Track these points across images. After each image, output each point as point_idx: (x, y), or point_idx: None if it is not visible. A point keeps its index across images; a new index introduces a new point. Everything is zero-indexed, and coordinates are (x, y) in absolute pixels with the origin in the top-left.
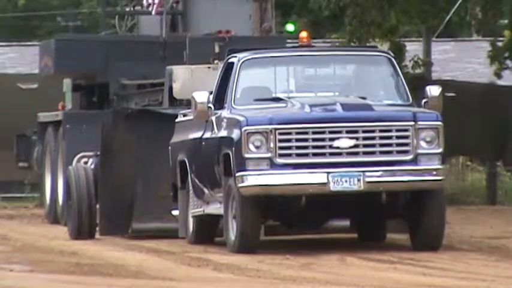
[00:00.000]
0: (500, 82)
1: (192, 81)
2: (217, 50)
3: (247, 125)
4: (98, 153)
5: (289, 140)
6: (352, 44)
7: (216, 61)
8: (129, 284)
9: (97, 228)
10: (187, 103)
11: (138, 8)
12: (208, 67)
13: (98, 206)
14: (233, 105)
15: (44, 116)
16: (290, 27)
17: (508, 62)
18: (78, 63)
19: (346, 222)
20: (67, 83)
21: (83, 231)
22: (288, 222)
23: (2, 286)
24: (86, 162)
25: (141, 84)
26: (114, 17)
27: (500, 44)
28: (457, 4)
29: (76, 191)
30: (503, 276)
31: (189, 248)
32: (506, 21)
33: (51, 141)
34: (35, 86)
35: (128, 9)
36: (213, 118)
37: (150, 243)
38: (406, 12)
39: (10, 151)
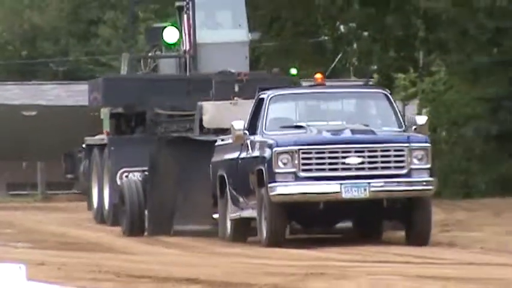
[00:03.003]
0: None
1: (218, 114)
2: (236, 89)
3: (277, 146)
4: (144, 169)
5: (310, 158)
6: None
7: (235, 98)
8: (101, 256)
9: (145, 230)
10: (214, 131)
11: (158, 52)
12: (230, 103)
13: (146, 212)
14: (264, 131)
15: (90, 140)
16: (293, 70)
17: None
18: (122, 97)
19: (349, 224)
20: (105, 112)
21: (134, 231)
22: (307, 224)
23: (10, 258)
24: (127, 176)
25: (171, 114)
26: (139, 61)
27: (371, 83)
28: (339, 56)
29: (129, 199)
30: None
31: (148, 234)
32: (375, 67)
33: (96, 159)
34: (34, 113)
35: (150, 53)
36: (248, 141)
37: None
38: (304, 60)
39: (16, 161)
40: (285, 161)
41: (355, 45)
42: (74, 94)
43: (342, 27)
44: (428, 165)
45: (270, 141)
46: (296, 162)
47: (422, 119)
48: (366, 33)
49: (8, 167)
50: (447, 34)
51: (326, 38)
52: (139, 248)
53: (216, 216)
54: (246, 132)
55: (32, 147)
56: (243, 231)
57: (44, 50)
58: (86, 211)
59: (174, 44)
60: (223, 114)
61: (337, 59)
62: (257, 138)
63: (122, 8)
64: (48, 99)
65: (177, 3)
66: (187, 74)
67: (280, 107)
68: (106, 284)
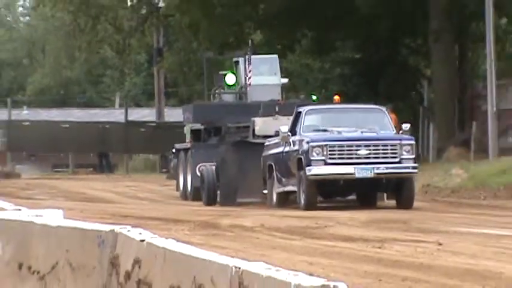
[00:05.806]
0: None
1: (265, 126)
2: (277, 109)
3: (312, 142)
4: (215, 161)
5: (334, 150)
6: None
7: (276, 115)
8: (105, 205)
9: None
10: (263, 137)
11: (221, 90)
12: (273, 118)
13: (218, 191)
14: (301, 133)
15: (178, 146)
16: (314, 97)
17: None
18: (206, 116)
19: (353, 197)
20: (187, 128)
21: (210, 202)
22: (330, 195)
23: (54, 206)
24: (202, 168)
25: (237, 126)
26: (209, 95)
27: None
28: None
29: (207, 181)
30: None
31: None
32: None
33: (182, 158)
34: (67, 125)
35: (217, 91)
36: (290, 140)
37: (127, 189)
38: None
39: (57, 152)
40: (317, 151)
41: None
42: (90, 115)
43: None
44: (413, 156)
45: (307, 139)
46: (325, 152)
47: (407, 126)
48: None
49: (53, 155)
50: (297, 82)
51: None
52: (126, 201)
53: (265, 192)
54: (289, 134)
55: (66, 144)
56: (284, 200)
57: (73, 90)
58: (97, 180)
59: (232, 85)
60: (268, 125)
61: None
62: (297, 137)
63: (115, 67)
64: (75, 117)
65: (235, 59)
66: (247, 102)
67: (312, 117)
68: (108, 220)
